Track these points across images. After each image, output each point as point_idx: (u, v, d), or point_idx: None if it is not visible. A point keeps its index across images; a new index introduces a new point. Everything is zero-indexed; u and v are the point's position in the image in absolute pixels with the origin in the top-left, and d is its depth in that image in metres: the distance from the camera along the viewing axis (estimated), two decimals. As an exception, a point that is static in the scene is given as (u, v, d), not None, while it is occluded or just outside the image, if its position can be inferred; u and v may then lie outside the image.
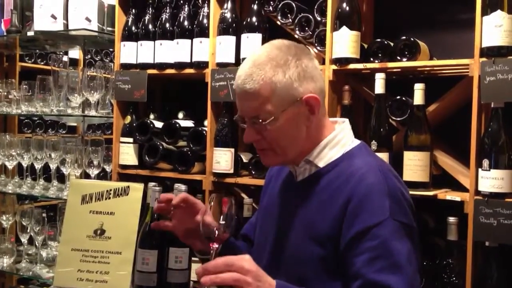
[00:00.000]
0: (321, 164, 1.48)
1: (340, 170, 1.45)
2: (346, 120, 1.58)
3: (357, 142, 1.54)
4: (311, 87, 1.43)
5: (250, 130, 1.45)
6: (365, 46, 2.23)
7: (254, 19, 2.40)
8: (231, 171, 2.44)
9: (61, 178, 2.93)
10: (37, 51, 4.02)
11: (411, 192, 1.97)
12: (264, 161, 1.52)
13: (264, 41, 2.38)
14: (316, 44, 2.30)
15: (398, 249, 1.33)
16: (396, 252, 1.32)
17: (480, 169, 1.93)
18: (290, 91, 1.41)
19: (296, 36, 2.39)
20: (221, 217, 1.43)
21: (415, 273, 1.35)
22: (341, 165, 1.47)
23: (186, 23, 2.59)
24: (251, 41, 2.37)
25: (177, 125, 2.59)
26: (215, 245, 1.43)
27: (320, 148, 1.49)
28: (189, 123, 2.68)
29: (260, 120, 1.41)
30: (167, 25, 2.64)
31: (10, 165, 3.02)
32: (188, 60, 2.56)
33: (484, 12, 1.93)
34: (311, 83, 1.43)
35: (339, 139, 1.51)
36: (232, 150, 2.45)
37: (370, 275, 1.30)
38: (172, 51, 2.60)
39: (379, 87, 2.11)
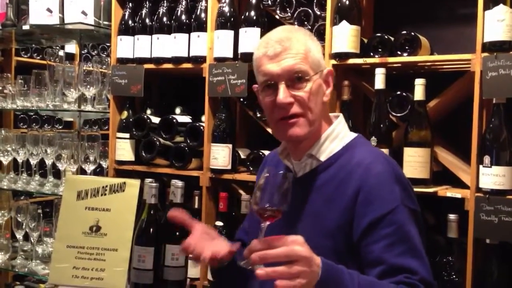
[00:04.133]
0: (323, 157, 1.51)
1: (343, 162, 1.48)
2: (341, 115, 1.61)
3: (354, 134, 1.58)
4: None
5: (286, 91, 1.45)
6: (365, 40, 2.20)
7: (252, 13, 2.37)
8: (229, 167, 2.42)
9: (57, 174, 2.90)
10: (33, 45, 3.99)
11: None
12: (291, 131, 1.48)
13: (263, 35, 2.35)
14: (315, 39, 2.27)
15: (413, 234, 1.38)
16: (412, 236, 1.38)
17: (481, 166, 1.91)
18: (318, 59, 1.50)
19: (295, 30, 2.36)
20: (276, 191, 1.30)
21: (426, 256, 1.40)
22: (342, 157, 1.50)
23: (183, 17, 2.56)
24: (250, 35, 2.35)
25: (174, 120, 2.57)
26: (267, 223, 1.32)
27: (321, 141, 1.52)
28: (186, 119, 2.65)
29: (300, 75, 1.45)
30: (165, 19, 2.61)
31: (5, 160, 3.00)
32: (186, 55, 2.53)
33: (486, 7, 1.90)
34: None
35: (338, 132, 1.55)
36: (230, 146, 2.42)
37: (392, 259, 1.35)
38: (169, 46, 2.57)
39: (379, 82, 2.09)
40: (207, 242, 1.46)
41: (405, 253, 1.36)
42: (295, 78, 1.45)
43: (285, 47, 1.45)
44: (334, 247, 1.41)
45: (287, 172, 1.35)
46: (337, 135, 1.54)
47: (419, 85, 2.05)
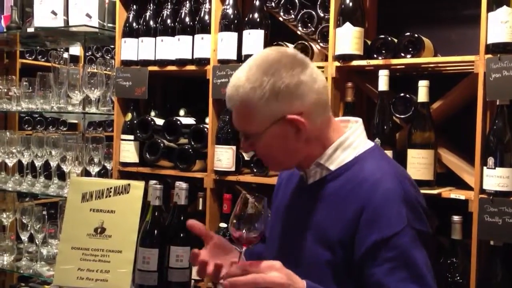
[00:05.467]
0: (333, 167, 1.45)
1: (352, 174, 1.41)
2: (360, 120, 1.52)
3: (370, 144, 1.50)
4: (297, 105, 1.38)
5: (244, 143, 1.46)
6: (369, 42, 2.21)
7: (256, 15, 2.38)
8: (233, 169, 2.42)
9: (62, 176, 2.91)
10: (38, 47, 4.01)
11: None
12: (270, 169, 1.52)
13: (266, 37, 2.36)
14: (319, 41, 2.28)
15: (418, 258, 1.30)
16: (417, 261, 1.30)
17: (485, 167, 1.91)
18: (268, 111, 1.38)
19: (298, 32, 2.37)
20: (240, 217, 1.36)
21: (434, 281, 1.33)
22: (352, 168, 1.43)
23: (187, 19, 2.57)
24: (253, 37, 2.35)
25: (178, 122, 2.57)
26: (244, 248, 1.37)
27: (331, 150, 1.45)
28: (190, 121, 2.66)
29: (248, 135, 1.43)
30: (168, 21, 2.62)
31: (11, 162, 3.01)
32: (190, 57, 2.54)
33: (490, 8, 1.90)
34: (296, 101, 1.38)
35: (351, 141, 1.46)
36: (234, 147, 2.43)
37: (393, 285, 1.28)
38: (173, 48, 2.58)
39: (383, 84, 2.09)
40: (216, 257, 1.46)
41: (407, 279, 1.28)
42: (245, 135, 1.44)
43: (232, 106, 1.42)
44: (332, 260, 1.37)
45: (259, 198, 1.36)
46: (351, 144, 1.46)
47: (423, 86, 2.05)
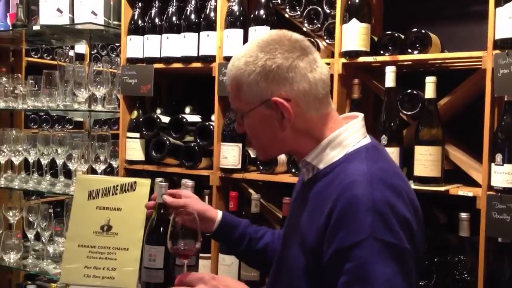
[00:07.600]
0: (321, 165, 1.37)
1: (334, 175, 1.33)
2: (360, 116, 1.43)
3: (365, 141, 1.39)
4: (284, 89, 1.33)
5: (236, 123, 1.47)
6: (375, 38, 2.19)
7: (262, 11, 2.37)
8: (239, 166, 2.42)
9: (68, 174, 2.92)
10: (44, 45, 4.01)
11: (422, 188, 1.96)
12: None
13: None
14: (325, 37, 2.27)
15: (379, 274, 1.18)
16: (374, 276, 1.18)
17: (493, 164, 1.89)
18: (256, 90, 1.35)
19: (304, 29, 2.36)
20: (174, 233, 1.50)
21: None
22: (337, 169, 1.34)
23: (193, 16, 2.56)
24: (259, 34, 2.34)
25: (184, 120, 2.57)
26: (184, 261, 1.52)
27: (320, 148, 1.37)
28: (196, 118, 2.65)
29: (238, 112, 1.43)
30: (174, 18, 2.62)
31: (17, 160, 3.02)
32: (195, 54, 2.53)
33: (498, 3, 1.88)
34: (285, 85, 1.33)
35: (342, 138, 1.37)
36: (240, 145, 2.42)
37: None
38: (179, 45, 2.58)
39: (390, 80, 2.08)
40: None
41: None
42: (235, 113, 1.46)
43: (227, 81, 1.43)
44: (305, 264, 1.31)
45: (191, 214, 1.50)
46: (341, 141, 1.37)
47: (430, 83, 2.03)
